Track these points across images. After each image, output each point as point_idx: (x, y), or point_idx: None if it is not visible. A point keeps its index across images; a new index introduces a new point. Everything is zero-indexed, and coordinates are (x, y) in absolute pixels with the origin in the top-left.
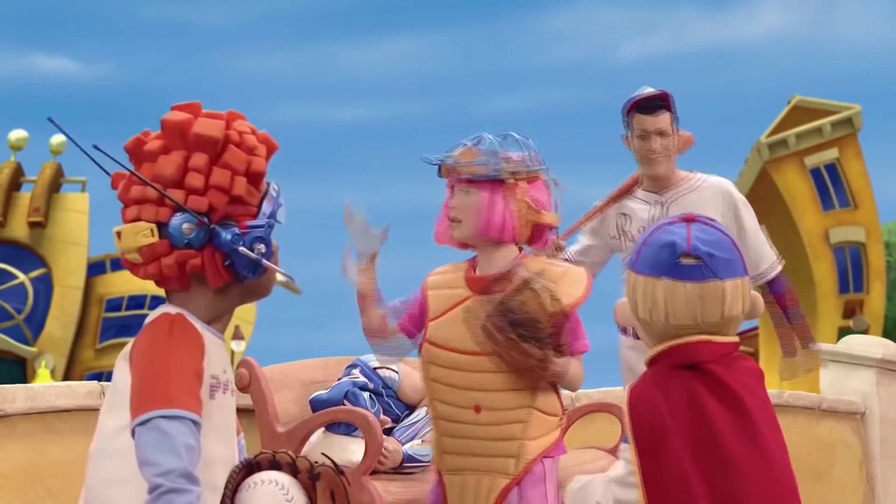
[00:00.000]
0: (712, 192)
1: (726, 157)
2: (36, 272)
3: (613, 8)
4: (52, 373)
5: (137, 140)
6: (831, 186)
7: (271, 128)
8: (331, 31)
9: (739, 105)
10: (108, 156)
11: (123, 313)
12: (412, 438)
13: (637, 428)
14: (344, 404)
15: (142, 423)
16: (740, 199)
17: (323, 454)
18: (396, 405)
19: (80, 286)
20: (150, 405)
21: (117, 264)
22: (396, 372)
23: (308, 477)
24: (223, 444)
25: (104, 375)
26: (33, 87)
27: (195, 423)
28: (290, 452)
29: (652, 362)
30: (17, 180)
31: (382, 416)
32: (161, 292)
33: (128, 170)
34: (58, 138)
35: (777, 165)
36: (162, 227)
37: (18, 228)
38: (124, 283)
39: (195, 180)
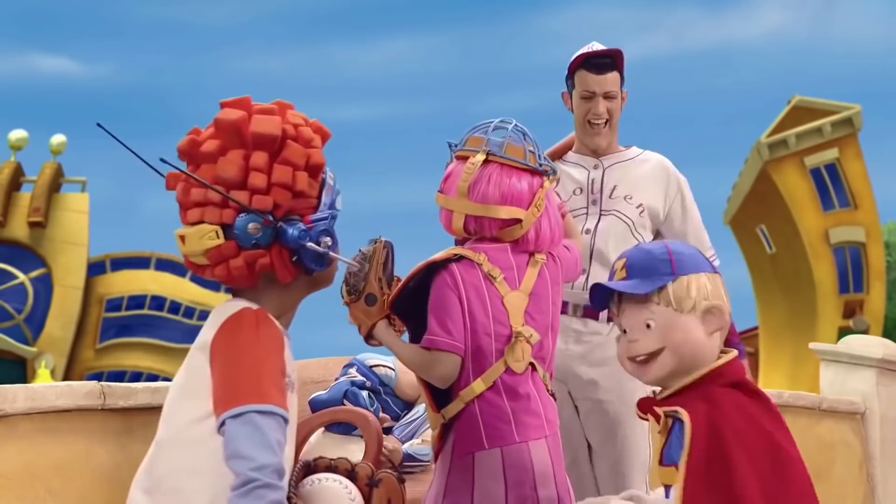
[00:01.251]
0: (656, 166)
1: (726, 157)
2: (36, 272)
3: (613, 8)
4: (52, 373)
5: (191, 140)
6: (831, 186)
7: None
8: (331, 31)
9: (739, 105)
10: (172, 165)
11: (123, 313)
12: (412, 437)
13: (696, 447)
14: (344, 404)
15: (235, 416)
16: (683, 178)
17: (384, 456)
18: (395, 402)
19: (80, 286)
20: (244, 399)
21: (117, 264)
22: (392, 369)
23: (366, 484)
24: (290, 443)
25: (104, 375)
26: (33, 87)
27: (285, 419)
28: (349, 459)
29: (687, 387)
30: (17, 180)
31: (382, 415)
32: (160, 292)
33: (194, 178)
34: (58, 138)
35: (777, 165)
36: (227, 228)
37: (18, 228)
38: (124, 283)
39: (258, 180)
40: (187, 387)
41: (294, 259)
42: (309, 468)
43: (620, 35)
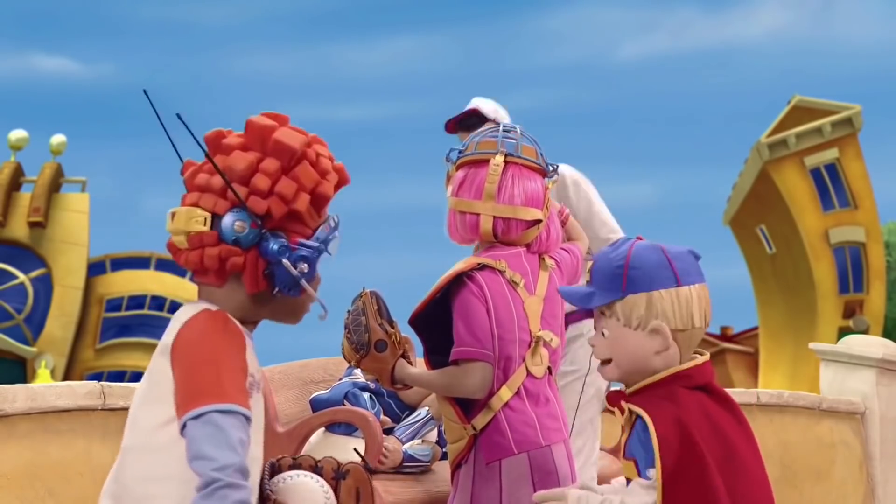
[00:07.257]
0: (558, 185)
1: (726, 157)
2: (36, 272)
3: (613, 8)
4: (52, 373)
5: (219, 132)
6: (831, 186)
7: None
8: (331, 31)
9: (739, 105)
10: (185, 125)
11: (123, 313)
12: (412, 438)
13: (668, 451)
14: (344, 404)
15: (195, 417)
16: (574, 176)
17: (355, 449)
18: (397, 405)
19: (80, 286)
20: (204, 399)
21: (117, 264)
22: None
23: (333, 477)
24: (257, 444)
25: (104, 375)
26: (33, 87)
27: (247, 418)
28: (312, 456)
29: (653, 385)
30: (17, 180)
31: (382, 416)
32: (160, 292)
33: (206, 155)
34: (58, 138)
35: (777, 165)
36: (216, 218)
37: (18, 228)
38: (124, 283)
39: (261, 182)
40: (150, 392)
41: (266, 272)
42: (274, 468)
43: (620, 35)
